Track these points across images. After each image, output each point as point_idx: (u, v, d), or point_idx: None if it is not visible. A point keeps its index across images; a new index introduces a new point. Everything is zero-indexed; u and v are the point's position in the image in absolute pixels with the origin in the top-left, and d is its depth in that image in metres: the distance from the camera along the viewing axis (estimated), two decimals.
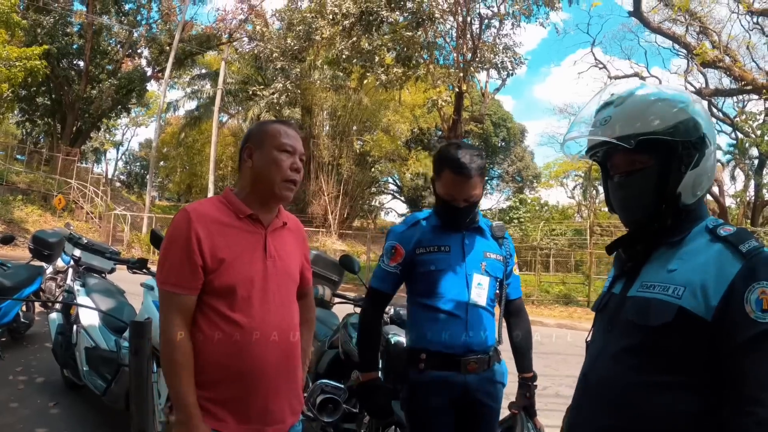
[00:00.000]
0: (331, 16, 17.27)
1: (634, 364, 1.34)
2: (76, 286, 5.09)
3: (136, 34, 29.40)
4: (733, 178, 29.06)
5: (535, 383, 2.48)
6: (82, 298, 4.81)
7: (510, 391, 2.49)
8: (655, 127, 1.36)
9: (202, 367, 1.74)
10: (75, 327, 4.63)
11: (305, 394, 3.60)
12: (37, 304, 7.22)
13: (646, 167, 1.40)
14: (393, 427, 2.97)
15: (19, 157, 28.88)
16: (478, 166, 2.27)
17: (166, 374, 1.74)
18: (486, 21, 19.36)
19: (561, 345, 8.83)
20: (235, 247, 1.78)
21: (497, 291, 2.47)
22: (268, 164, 1.83)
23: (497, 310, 2.49)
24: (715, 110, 25.26)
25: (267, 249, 1.84)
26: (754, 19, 20.54)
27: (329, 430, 3.48)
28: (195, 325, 1.76)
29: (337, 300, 4.40)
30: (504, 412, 2.49)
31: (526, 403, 2.43)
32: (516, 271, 2.59)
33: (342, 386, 3.46)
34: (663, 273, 1.37)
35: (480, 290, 2.35)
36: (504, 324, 2.55)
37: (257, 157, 1.85)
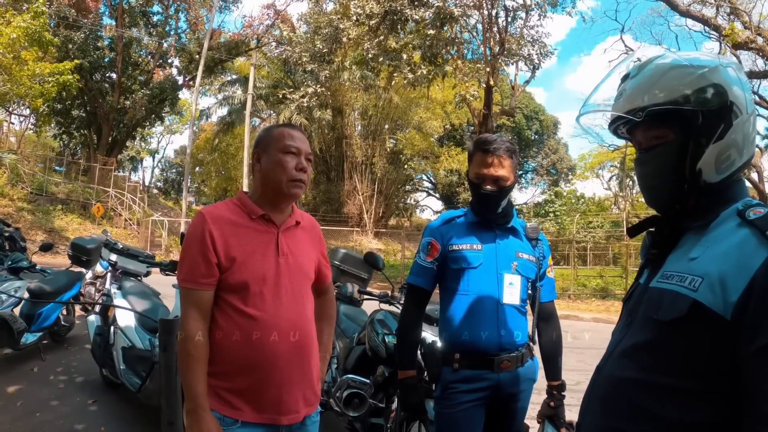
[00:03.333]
0: (355, 18, 17.35)
1: (645, 362, 1.19)
2: (113, 289, 5.26)
3: (165, 45, 30.00)
4: None
5: (563, 392, 2.44)
6: (118, 300, 4.97)
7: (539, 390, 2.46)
8: (665, 98, 1.22)
9: (219, 359, 1.83)
10: (112, 328, 4.79)
11: (333, 389, 3.65)
12: (77, 307, 7.46)
13: (666, 142, 1.26)
14: (418, 422, 2.99)
15: (57, 168, 29.68)
16: (507, 147, 2.32)
17: (180, 365, 1.84)
18: (512, 13, 19.21)
19: (597, 340, 8.71)
20: (247, 246, 1.87)
21: (529, 291, 2.45)
22: (274, 166, 1.91)
23: (529, 311, 2.47)
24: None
25: (279, 247, 1.92)
26: None
27: (356, 424, 3.52)
28: (213, 320, 1.85)
29: (365, 297, 4.44)
30: (532, 409, 2.47)
31: (551, 413, 2.40)
32: (550, 274, 2.56)
33: (368, 381, 3.49)
34: (684, 261, 1.19)
35: (512, 289, 2.35)
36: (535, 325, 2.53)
37: (264, 161, 1.94)
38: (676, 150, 1.24)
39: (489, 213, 2.39)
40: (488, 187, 2.32)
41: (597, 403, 1.30)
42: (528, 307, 2.44)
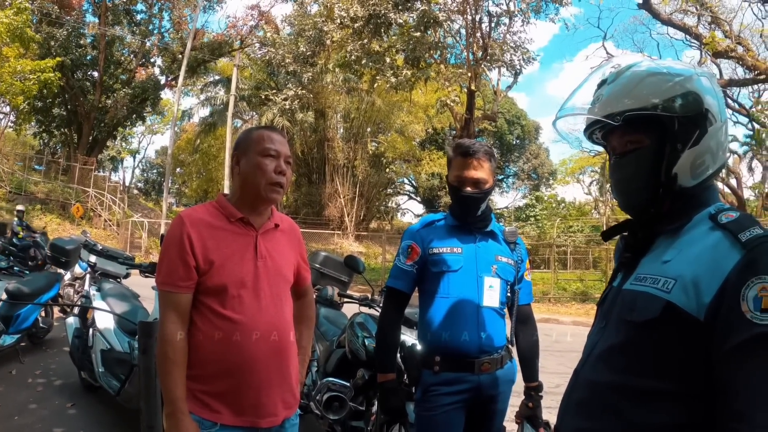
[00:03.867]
0: (339, 21, 17.37)
1: (620, 364, 1.21)
2: (92, 291, 5.23)
3: (148, 44, 29.73)
4: (750, 169, 28.61)
5: (540, 393, 2.48)
6: (97, 303, 4.94)
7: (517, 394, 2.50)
8: (643, 103, 1.25)
9: (198, 362, 1.83)
10: (91, 330, 4.76)
11: (313, 392, 3.67)
12: (55, 310, 7.40)
13: (641, 147, 1.29)
14: (398, 425, 3.00)
15: (37, 167, 29.31)
16: (485, 150, 2.37)
17: (158, 368, 1.84)
18: (495, 19, 19.35)
19: (576, 343, 8.79)
20: (225, 249, 1.87)
21: (508, 294, 2.47)
22: (254, 169, 1.90)
23: (507, 314, 2.50)
24: (730, 101, 24.97)
25: (258, 250, 1.92)
26: (766, 7, 20.29)
27: (336, 427, 3.53)
28: (191, 323, 1.85)
29: (345, 300, 4.46)
30: (511, 411, 2.49)
31: (529, 413, 2.42)
32: (527, 277, 2.59)
33: (348, 384, 3.51)
34: (657, 264, 1.22)
35: (492, 292, 2.37)
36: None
37: (244, 163, 1.93)
38: (652, 155, 1.27)
39: (469, 216, 2.41)
40: (468, 189, 2.34)
41: (575, 406, 1.32)
42: (506, 310, 2.47)
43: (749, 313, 1.03)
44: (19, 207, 14.21)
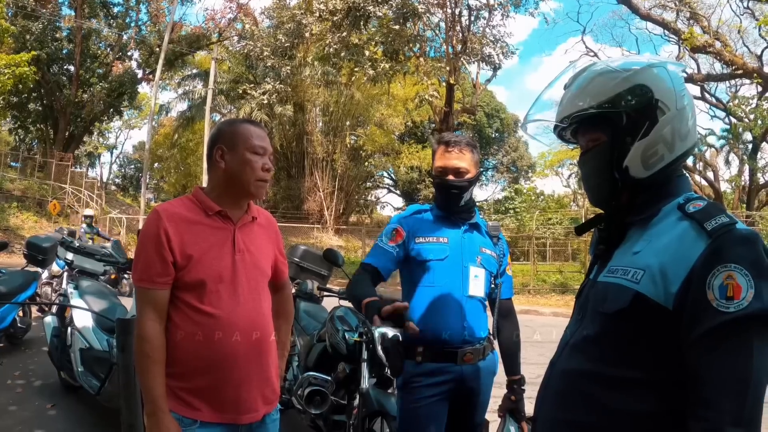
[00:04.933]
0: (318, 13, 17.30)
1: (594, 354, 1.25)
2: (70, 289, 5.17)
3: (125, 37, 29.38)
4: (727, 162, 29.10)
5: (523, 386, 2.47)
6: (75, 301, 4.89)
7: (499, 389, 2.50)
8: (590, 103, 1.31)
9: (176, 358, 1.82)
10: (69, 329, 4.71)
11: (294, 387, 3.67)
12: (33, 309, 7.30)
13: (598, 144, 1.35)
14: (380, 418, 3.02)
15: (13, 164, 28.82)
16: (467, 141, 2.40)
17: (137, 366, 1.82)
18: (475, 12, 19.40)
19: (556, 334, 8.85)
20: (203, 243, 1.85)
21: (492, 286, 2.49)
22: (242, 165, 1.89)
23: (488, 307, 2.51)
24: (708, 96, 25.33)
25: (236, 244, 1.91)
26: (744, 4, 20.65)
27: (318, 421, 3.54)
28: (169, 320, 1.84)
29: (325, 293, 4.47)
30: (494, 402, 2.49)
31: (512, 407, 2.42)
32: (509, 272, 2.61)
33: (330, 378, 3.51)
34: (628, 256, 1.26)
35: (477, 282, 2.39)
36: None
37: (229, 159, 1.91)
38: (608, 150, 1.32)
39: (452, 206, 2.42)
40: (450, 178, 2.37)
41: (552, 396, 1.35)
42: (487, 303, 2.49)
43: (715, 301, 1.06)
44: (88, 211, 13.34)
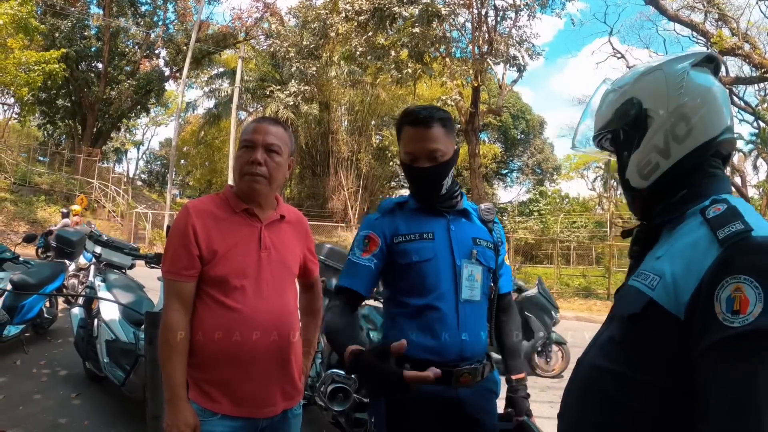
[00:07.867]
0: (344, 13, 17.35)
1: (615, 355, 1.22)
2: (97, 282, 5.24)
3: (153, 35, 29.74)
4: (755, 167, 28.59)
5: (524, 383, 2.12)
6: (102, 293, 4.95)
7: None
8: (600, 123, 1.42)
9: (199, 350, 1.85)
10: (96, 321, 4.77)
11: (317, 384, 3.67)
12: (60, 300, 7.42)
13: (618, 158, 1.42)
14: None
15: (41, 158, 29.38)
16: (439, 116, 1.95)
17: (160, 355, 1.85)
18: (501, 13, 19.30)
19: (578, 338, 8.81)
20: (229, 239, 1.88)
21: (491, 284, 2.08)
22: (235, 162, 1.96)
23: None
24: (736, 99, 24.85)
25: (262, 241, 1.93)
26: None
27: (340, 419, 3.54)
28: (195, 312, 1.87)
29: None
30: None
31: (527, 406, 2.07)
32: (507, 261, 2.23)
33: (353, 376, 3.51)
34: (652, 260, 1.21)
35: (472, 283, 1.98)
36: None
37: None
38: (618, 165, 1.40)
39: (431, 196, 2.01)
40: (423, 164, 1.95)
41: (576, 392, 1.34)
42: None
43: (721, 315, 1.00)
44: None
